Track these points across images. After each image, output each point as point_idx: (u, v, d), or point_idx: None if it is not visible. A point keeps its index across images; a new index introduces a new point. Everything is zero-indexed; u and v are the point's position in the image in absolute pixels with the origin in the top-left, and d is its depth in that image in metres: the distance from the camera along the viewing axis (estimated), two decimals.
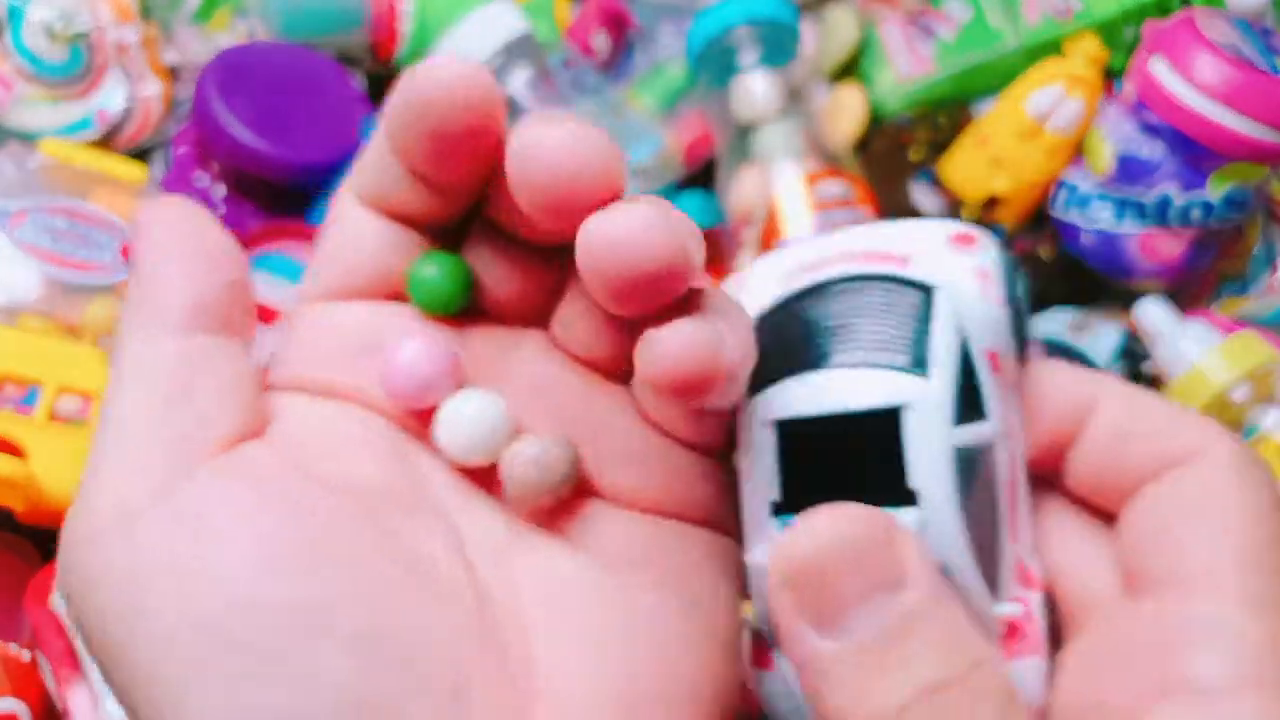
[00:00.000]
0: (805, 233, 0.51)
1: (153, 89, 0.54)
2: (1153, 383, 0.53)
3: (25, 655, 0.42)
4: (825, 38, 0.64)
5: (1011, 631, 0.20)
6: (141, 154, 0.55)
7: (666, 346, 0.18)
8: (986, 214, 0.56)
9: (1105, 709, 0.19)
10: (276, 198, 0.54)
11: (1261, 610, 0.18)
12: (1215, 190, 0.51)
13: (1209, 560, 0.18)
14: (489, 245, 0.22)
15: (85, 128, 0.53)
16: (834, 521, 0.17)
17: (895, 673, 0.16)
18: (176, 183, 0.54)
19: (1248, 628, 0.18)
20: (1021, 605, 0.21)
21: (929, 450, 0.19)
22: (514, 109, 0.53)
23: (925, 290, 0.20)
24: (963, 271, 0.20)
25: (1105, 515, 0.21)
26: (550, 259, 0.22)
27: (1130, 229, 0.53)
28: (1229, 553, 0.18)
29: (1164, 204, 0.52)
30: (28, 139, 0.52)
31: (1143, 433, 0.20)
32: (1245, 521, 0.19)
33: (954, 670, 0.17)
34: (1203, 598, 0.18)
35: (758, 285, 0.22)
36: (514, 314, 0.22)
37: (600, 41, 0.61)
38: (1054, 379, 0.21)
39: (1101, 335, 0.54)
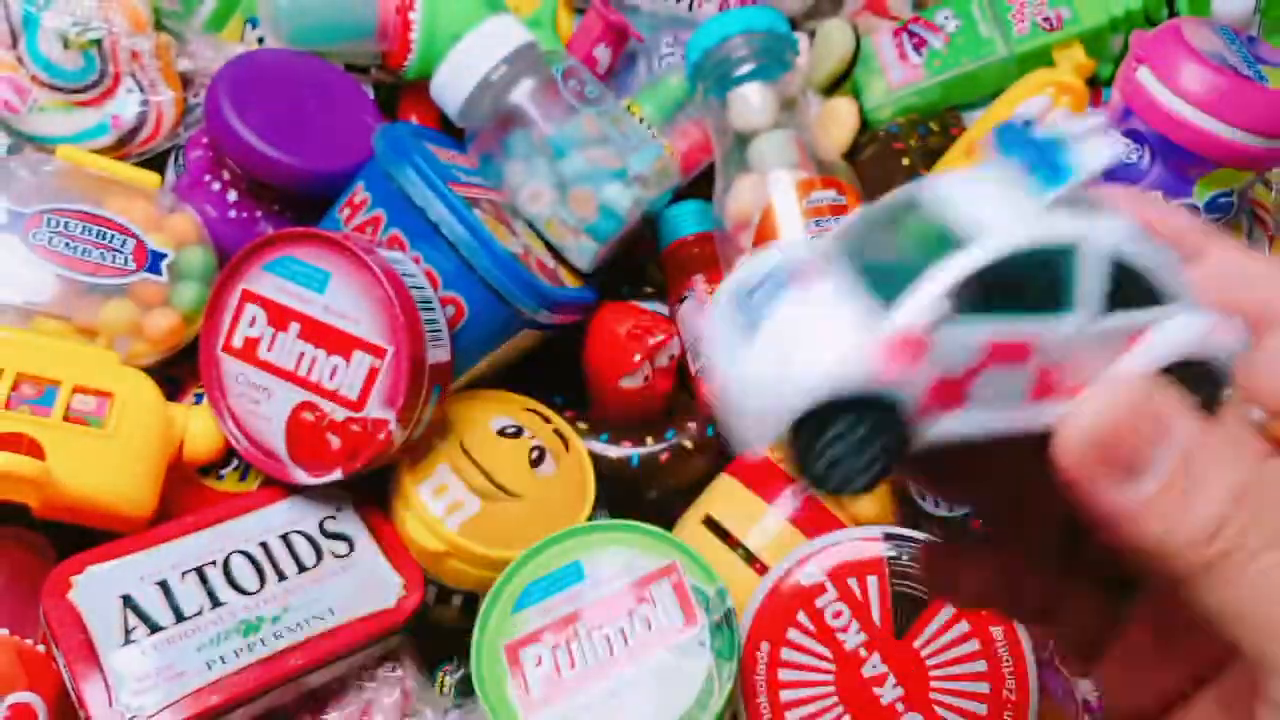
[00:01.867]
0: (797, 238, 0.52)
1: (166, 96, 0.55)
2: None
3: (40, 649, 0.43)
4: (819, 50, 0.64)
5: None
6: (155, 160, 0.56)
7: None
8: None
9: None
10: (288, 203, 0.55)
11: None
12: (1201, 195, 0.52)
13: None
14: None
15: (100, 134, 0.54)
16: (1113, 391, 0.20)
17: (1201, 492, 0.19)
18: (190, 188, 0.54)
19: None
20: None
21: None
22: (518, 116, 0.54)
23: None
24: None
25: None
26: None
27: None
28: None
29: None
30: (43, 145, 0.53)
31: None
32: None
33: (1248, 471, 0.19)
34: None
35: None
36: None
37: (601, 53, 0.62)
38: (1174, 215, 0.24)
39: None
